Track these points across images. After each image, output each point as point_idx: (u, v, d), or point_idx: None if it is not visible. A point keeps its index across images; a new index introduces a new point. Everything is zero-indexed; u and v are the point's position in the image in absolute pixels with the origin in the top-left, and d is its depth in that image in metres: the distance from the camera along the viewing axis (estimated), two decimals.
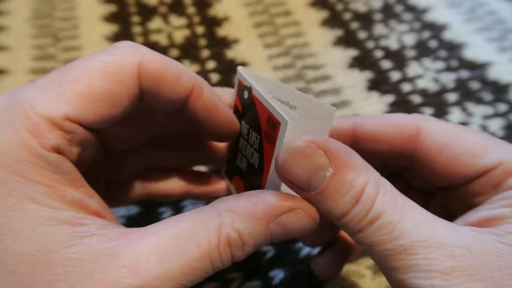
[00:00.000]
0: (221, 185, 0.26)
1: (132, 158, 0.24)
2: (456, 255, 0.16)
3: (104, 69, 0.18)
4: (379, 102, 0.38)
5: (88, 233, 0.16)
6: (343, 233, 0.25)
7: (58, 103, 0.17)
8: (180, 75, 0.19)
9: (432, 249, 0.16)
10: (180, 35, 0.44)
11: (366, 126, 0.22)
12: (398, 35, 0.44)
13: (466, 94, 0.38)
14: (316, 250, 0.28)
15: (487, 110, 0.37)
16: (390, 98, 0.38)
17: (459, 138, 0.21)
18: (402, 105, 0.37)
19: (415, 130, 0.21)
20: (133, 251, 0.16)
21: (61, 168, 0.17)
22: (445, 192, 0.22)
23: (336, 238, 0.25)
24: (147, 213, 0.30)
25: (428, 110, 0.37)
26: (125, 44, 0.19)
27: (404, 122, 0.22)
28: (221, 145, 0.26)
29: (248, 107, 0.21)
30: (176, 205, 0.30)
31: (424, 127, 0.21)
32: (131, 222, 0.29)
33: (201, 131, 0.22)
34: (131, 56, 0.18)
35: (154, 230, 0.17)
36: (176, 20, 0.46)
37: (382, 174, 0.18)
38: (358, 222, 0.17)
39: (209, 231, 0.17)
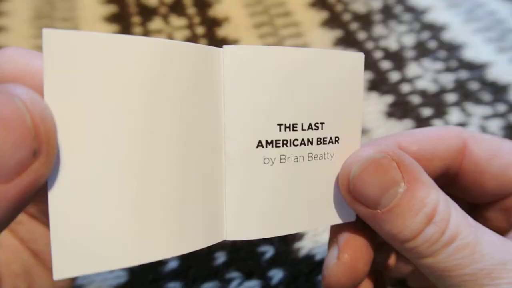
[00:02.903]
0: None
1: None
2: None
3: None
4: (378, 103, 0.38)
5: None
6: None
7: None
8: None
9: None
10: (180, 36, 0.44)
11: (412, 145, 0.19)
12: (398, 36, 0.44)
13: (466, 95, 0.38)
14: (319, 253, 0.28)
15: (486, 110, 0.37)
16: (389, 99, 0.38)
17: (506, 148, 0.20)
18: (401, 105, 0.38)
19: (462, 142, 0.20)
20: None
21: None
22: (485, 207, 0.21)
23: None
24: None
25: (428, 111, 0.37)
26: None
27: (449, 134, 0.20)
28: None
29: None
30: None
31: (469, 137, 0.20)
32: None
33: None
34: None
35: None
36: (177, 21, 0.46)
37: None
38: (430, 245, 0.16)
39: None
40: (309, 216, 0.17)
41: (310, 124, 0.17)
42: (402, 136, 0.20)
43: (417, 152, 0.19)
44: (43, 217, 0.18)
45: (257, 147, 0.16)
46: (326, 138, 0.17)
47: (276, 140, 0.16)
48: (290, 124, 0.16)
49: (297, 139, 0.16)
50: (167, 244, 0.14)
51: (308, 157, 0.17)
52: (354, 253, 0.18)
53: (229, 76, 0.15)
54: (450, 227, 0.16)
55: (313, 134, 0.17)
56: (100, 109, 0.13)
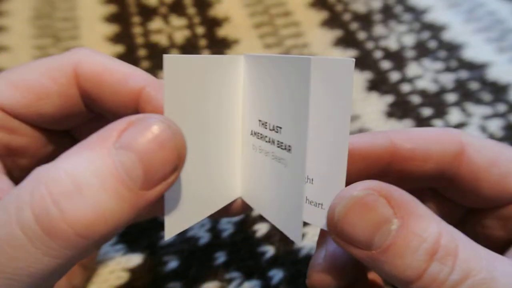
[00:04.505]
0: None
1: None
2: None
3: (42, 64, 0.19)
4: (378, 103, 0.38)
5: None
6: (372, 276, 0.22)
7: None
8: (124, 77, 0.18)
9: None
10: (180, 36, 0.44)
11: (407, 143, 0.19)
12: (398, 36, 0.44)
13: (466, 95, 0.38)
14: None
15: (487, 110, 0.37)
16: (389, 99, 0.38)
17: (505, 156, 0.19)
18: (401, 105, 0.38)
19: (460, 146, 0.19)
20: None
21: None
22: (483, 213, 0.21)
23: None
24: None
25: (428, 111, 0.37)
26: (75, 48, 0.19)
27: (447, 137, 0.19)
28: None
29: None
30: None
31: (468, 143, 0.19)
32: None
33: None
34: (70, 57, 0.19)
35: None
36: (177, 21, 0.46)
37: (415, 190, 0.16)
38: (440, 285, 0.14)
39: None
40: (276, 209, 0.18)
41: (273, 126, 0.17)
42: (397, 133, 0.19)
43: (411, 151, 0.18)
44: None
45: (250, 134, 0.19)
46: (282, 143, 0.17)
47: (257, 132, 0.18)
48: (264, 122, 0.18)
49: (266, 136, 0.18)
50: (226, 194, 0.19)
51: (272, 155, 0.18)
52: (341, 255, 0.18)
53: (246, 79, 0.18)
54: (459, 264, 0.14)
55: (275, 136, 0.17)
56: (195, 119, 0.17)
